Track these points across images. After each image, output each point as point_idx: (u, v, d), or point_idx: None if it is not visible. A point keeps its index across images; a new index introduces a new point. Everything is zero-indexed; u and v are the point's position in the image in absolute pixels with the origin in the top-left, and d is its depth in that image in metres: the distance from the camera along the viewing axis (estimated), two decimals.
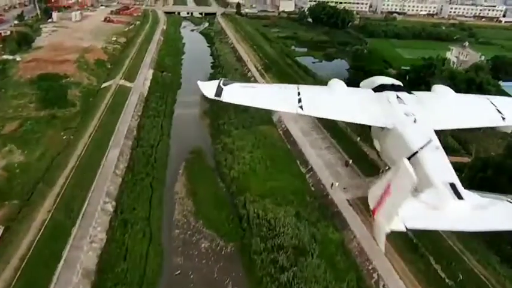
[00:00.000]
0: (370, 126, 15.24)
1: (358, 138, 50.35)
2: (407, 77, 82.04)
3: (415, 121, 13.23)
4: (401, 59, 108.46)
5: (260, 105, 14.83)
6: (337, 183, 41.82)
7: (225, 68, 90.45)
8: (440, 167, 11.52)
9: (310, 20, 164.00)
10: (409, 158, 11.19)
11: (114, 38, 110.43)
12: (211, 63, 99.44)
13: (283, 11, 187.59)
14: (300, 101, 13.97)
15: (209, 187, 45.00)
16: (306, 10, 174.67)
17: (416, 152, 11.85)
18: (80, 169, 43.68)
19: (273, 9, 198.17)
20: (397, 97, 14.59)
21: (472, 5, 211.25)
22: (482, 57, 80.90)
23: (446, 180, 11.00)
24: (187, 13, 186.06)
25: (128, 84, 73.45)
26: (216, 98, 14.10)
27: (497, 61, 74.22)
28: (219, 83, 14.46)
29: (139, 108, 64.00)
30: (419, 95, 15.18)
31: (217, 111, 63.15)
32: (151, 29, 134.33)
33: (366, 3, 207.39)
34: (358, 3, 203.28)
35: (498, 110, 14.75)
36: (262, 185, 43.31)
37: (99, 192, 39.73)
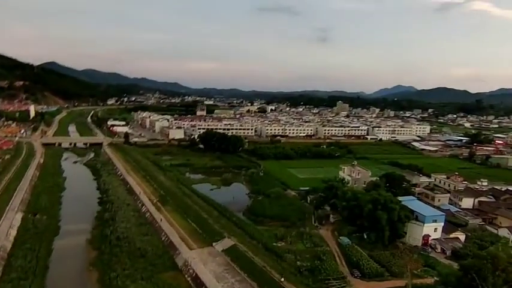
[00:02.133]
0: None
1: (282, 278, 44.19)
2: (308, 199, 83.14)
3: None
4: (296, 179, 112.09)
5: None
6: None
7: (115, 204, 79.18)
8: None
9: (201, 146, 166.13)
10: None
11: None
12: (98, 198, 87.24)
13: (173, 139, 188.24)
14: None
15: None
16: (196, 137, 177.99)
17: None
18: None
19: (163, 137, 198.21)
20: None
21: (341, 126, 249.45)
22: (369, 173, 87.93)
23: None
24: (70, 144, 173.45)
25: None
26: None
27: (389, 177, 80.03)
28: None
29: None
30: None
31: (107, 261, 51.54)
32: (24, 164, 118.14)
33: (251, 129, 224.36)
34: (244, 129, 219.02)
35: None
36: None
37: None
